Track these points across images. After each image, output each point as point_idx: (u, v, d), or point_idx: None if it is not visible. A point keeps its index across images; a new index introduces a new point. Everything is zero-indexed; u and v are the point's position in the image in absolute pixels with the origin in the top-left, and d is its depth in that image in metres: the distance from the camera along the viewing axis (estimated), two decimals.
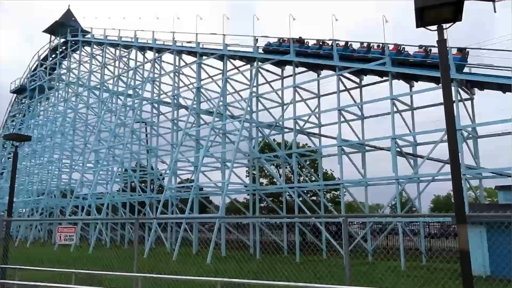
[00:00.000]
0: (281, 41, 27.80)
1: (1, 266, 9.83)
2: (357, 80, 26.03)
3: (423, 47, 21.56)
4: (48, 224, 39.44)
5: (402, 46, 22.69)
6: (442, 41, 5.72)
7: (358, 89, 26.05)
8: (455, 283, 8.03)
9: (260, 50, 28.72)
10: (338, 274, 11.80)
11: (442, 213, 6.97)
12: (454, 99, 18.65)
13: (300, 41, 26.96)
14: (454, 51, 20.42)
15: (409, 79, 23.30)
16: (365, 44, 24.17)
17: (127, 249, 28.84)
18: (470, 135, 21.03)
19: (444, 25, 5.67)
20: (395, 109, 22.01)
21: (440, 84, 8.31)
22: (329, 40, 25.37)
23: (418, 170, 21.88)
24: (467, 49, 20.59)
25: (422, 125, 24.10)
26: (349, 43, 24.59)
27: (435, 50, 20.75)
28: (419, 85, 23.26)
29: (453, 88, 18.34)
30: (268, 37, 28.85)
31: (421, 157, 22.66)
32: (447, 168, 20.91)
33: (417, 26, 5.93)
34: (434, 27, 5.72)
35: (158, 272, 10.27)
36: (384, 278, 11.91)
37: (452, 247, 23.07)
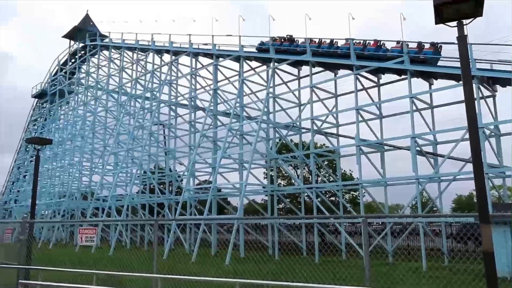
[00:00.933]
0: (273, 40, 28.65)
1: (25, 266, 10.05)
2: (375, 79, 25.73)
3: (400, 42, 22.56)
4: (70, 225, 40.15)
5: (382, 42, 23.76)
6: (462, 38, 5.60)
7: (376, 88, 25.76)
8: (479, 284, 7.85)
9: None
10: (357, 275, 11.66)
11: (464, 212, 6.80)
12: (475, 96, 18.27)
13: (291, 39, 28.19)
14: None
15: (428, 77, 22.91)
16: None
17: (147, 250, 29.14)
18: (493, 133, 20.54)
19: (464, 21, 5.56)
20: (414, 108, 21.67)
21: (461, 82, 8.16)
22: (327, 38, 26.11)
23: (439, 169, 21.48)
24: (439, 44, 21.94)
25: (442, 123, 23.73)
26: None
27: (412, 45, 22.31)
28: (438, 83, 22.88)
29: (474, 85, 18.03)
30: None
31: (442, 156, 22.24)
32: (469, 167, 20.50)
33: (436, 23, 5.82)
34: (454, 23, 5.61)
35: (177, 273, 10.33)
36: (405, 279, 11.73)
37: (475, 248, 22.57)
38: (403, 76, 23.63)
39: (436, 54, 21.93)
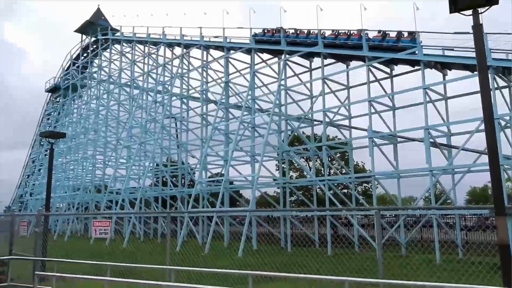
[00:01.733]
0: (265, 31, 29.74)
1: (41, 258, 10.23)
2: (388, 70, 25.41)
3: (381, 32, 23.66)
4: (84, 218, 40.75)
5: (366, 32, 24.25)
6: (477, 27, 5.48)
7: (389, 80, 25.44)
8: (494, 277, 7.75)
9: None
10: (370, 267, 11.62)
11: (479, 205, 6.70)
12: (490, 87, 17.94)
13: (280, 31, 28.73)
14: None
15: (442, 67, 22.54)
16: (354, 33, 24.61)
17: (160, 242, 29.44)
18: (508, 124, 20.16)
19: (479, 10, 5.43)
20: (427, 99, 21.37)
21: (476, 72, 8.01)
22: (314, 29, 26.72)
23: (453, 161, 21.21)
24: (416, 33, 22.43)
25: (457, 114, 23.36)
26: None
27: (392, 35, 23.39)
28: (452, 73, 22.50)
29: (489, 75, 17.69)
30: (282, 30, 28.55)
31: (456, 147, 21.94)
32: (484, 159, 20.21)
33: (451, 12, 5.70)
34: (469, 12, 5.49)
35: (191, 264, 10.42)
36: (418, 271, 11.65)
37: (490, 240, 22.31)
38: (416, 67, 23.30)
39: (414, 42, 22.33)
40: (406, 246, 21.32)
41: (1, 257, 10.04)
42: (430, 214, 20.40)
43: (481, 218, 25.28)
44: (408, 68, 24.37)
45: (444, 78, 22.64)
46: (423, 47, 21.66)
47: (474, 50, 5.68)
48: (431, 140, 21.23)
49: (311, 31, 27.14)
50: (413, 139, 24.48)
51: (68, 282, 9.39)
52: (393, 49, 23.22)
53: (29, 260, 10.20)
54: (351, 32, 25.02)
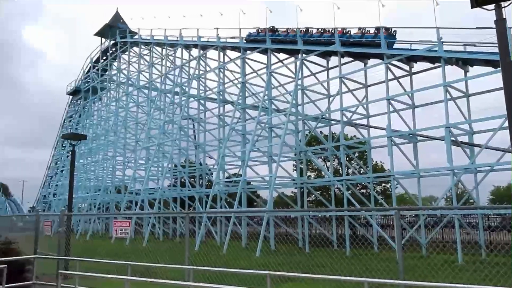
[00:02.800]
0: (259, 31, 31.00)
1: (64, 257, 10.44)
2: (407, 67, 25.03)
3: (361, 29, 25.19)
4: (105, 218, 41.40)
5: (348, 29, 25.97)
6: (500, 21, 5.35)
7: (408, 77, 25.06)
8: None
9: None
10: (390, 267, 11.47)
11: (503, 204, 6.54)
12: None
13: (273, 30, 30.38)
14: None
15: (464, 64, 22.09)
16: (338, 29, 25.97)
17: (179, 242, 29.69)
18: None
19: (502, 4, 5.30)
20: (448, 96, 20.98)
21: (499, 68, 7.83)
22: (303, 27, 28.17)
23: (475, 160, 20.77)
24: (393, 29, 24.30)
25: (479, 112, 22.82)
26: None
27: (371, 31, 24.87)
28: (474, 70, 22.02)
29: None
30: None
31: (479, 145, 21.47)
32: (507, 157, 19.74)
33: (472, 7, 5.58)
34: (491, 6, 5.36)
35: (209, 264, 10.47)
36: (440, 271, 11.46)
37: None
38: (436, 64, 22.91)
39: (391, 38, 24.06)
40: (427, 247, 20.97)
41: (27, 256, 10.29)
42: (452, 214, 20.01)
43: (505, 217, 24.66)
44: (428, 65, 23.98)
45: (465, 75, 22.18)
46: (443, 43, 21.25)
47: (497, 45, 5.55)
48: (452, 139, 20.83)
49: (301, 29, 28.51)
50: (433, 138, 24.07)
51: (90, 280, 9.56)
52: (370, 45, 24.61)
53: (53, 259, 10.42)
54: (336, 29, 26.17)
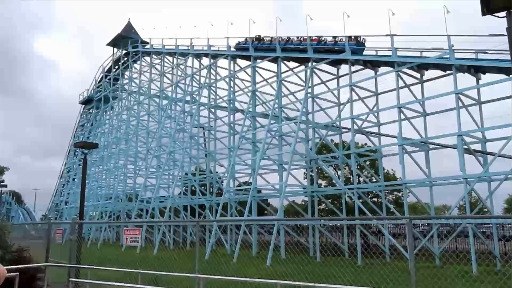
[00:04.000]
0: (247, 39, 32.46)
1: (75, 265, 10.49)
2: (418, 75, 24.87)
3: (334, 37, 27.12)
4: (116, 226, 41.60)
5: (324, 37, 27.67)
6: (511, 29, 5.28)
7: (419, 85, 24.87)
8: None
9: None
10: (402, 278, 11.30)
11: None
12: None
13: (259, 39, 31.91)
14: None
15: (476, 71, 21.88)
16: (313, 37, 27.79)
17: (189, 250, 29.66)
18: None
19: None
20: (460, 104, 20.77)
21: (511, 75, 7.74)
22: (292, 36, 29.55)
23: (489, 168, 20.46)
24: (362, 37, 26.35)
25: (492, 120, 22.52)
26: (323, 38, 27.87)
27: (329, 39, 27.37)
28: (486, 77, 21.80)
29: None
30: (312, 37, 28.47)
31: (492, 154, 21.16)
32: None
33: (483, 14, 5.52)
34: (502, 13, 5.30)
35: (219, 273, 10.43)
36: (453, 282, 11.24)
37: None
38: (448, 72, 22.73)
39: (360, 45, 26.10)
40: (440, 257, 20.64)
41: (39, 264, 10.36)
42: (465, 224, 19.69)
43: None
44: (439, 73, 23.81)
45: (477, 83, 21.95)
46: (454, 51, 21.11)
47: (509, 53, 5.48)
48: (465, 147, 20.58)
49: (282, 37, 30.20)
50: (445, 146, 23.83)
51: None
52: (341, 51, 26.15)
53: (64, 266, 10.47)
54: (312, 37, 27.97)
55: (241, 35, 34.36)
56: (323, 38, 27.63)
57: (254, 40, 31.91)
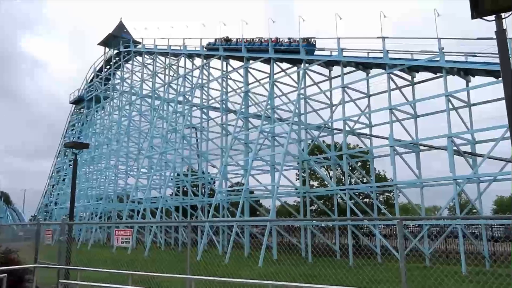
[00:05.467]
0: (216, 40, 35.02)
1: (65, 267, 10.39)
2: (409, 77, 25.06)
3: (290, 39, 29.45)
4: (107, 227, 41.33)
5: (282, 39, 29.97)
6: (501, 32, 5.35)
7: (410, 87, 25.07)
8: None
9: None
10: (393, 278, 11.38)
11: (506, 214, 6.54)
12: None
13: (228, 39, 33.95)
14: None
15: (465, 74, 22.12)
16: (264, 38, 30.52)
17: (181, 251, 29.56)
18: None
19: (503, 15, 5.31)
20: (450, 106, 20.98)
21: (500, 78, 7.78)
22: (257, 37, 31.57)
23: (478, 170, 20.68)
24: (313, 38, 28.55)
25: (481, 122, 22.76)
26: (280, 39, 30.08)
27: (286, 40, 29.83)
28: (476, 80, 22.04)
29: None
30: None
31: (481, 155, 21.39)
32: (510, 167, 19.64)
33: (473, 18, 5.58)
34: (492, 17, 5.37)
35: (211, 274, 10.42)
36: (443, 282, 11.34)
37: None
38: (438, 74, 22.95)
39: (310, 46, 28.36)
40: (430, 257, 20.82)
41: (27, 265, 10.26)
42: (455, 224, 19.88)
43: (508, 228, 24.50)
44: (430, 75, 24.03)
45: (467, 85, 22.20)
46: (445, 53, 21.32)
47: (497, 56, 5.55)
48: (455, 148, 20.78)
49: (246, 39, 32.17)
50: (436, 148, 24.04)
51: None
52: (294, 51, 28.67)
53: (54, 268, 10.38)
54: (271, 38, 30.24)
55: (236, 36, 34.40)
56: (280, 39, 30.12)
57: (223, 40, 34.11)
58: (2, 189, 76.65)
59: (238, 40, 32.78)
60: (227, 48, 33.42)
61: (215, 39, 35.28)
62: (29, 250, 11.82)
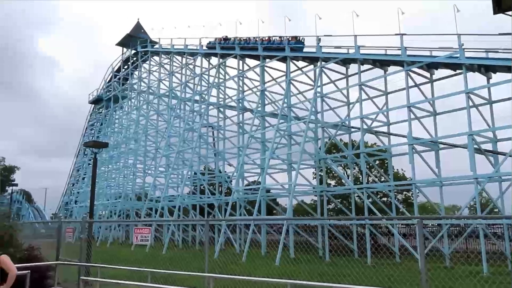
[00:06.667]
0: (215, 39, 36.49)
1: (86, 264, 10.58)
2: (428, 74, 24.67)
3: (281, 37, 30.75)
4: (125, 225, 41.86)
5: (274, 37, 31.36)
6: None
7: (429, 84, 24.68)
8: None
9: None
10: (413, 278, 11.23)
11: None
12: None
13: (226, 39, 35.77)
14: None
15: (486, 71, 21.65)
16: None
17: (198, 249, 29.76)
18: None
19: None
20: (471, 103, 20.56)
21: None
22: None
23: (500, 168, 20.23)
24: (301, 37, 30.25)
25: (503, 119, 22.26)
26: (272, 37, 31.54)
27: (277, 38, 31.23)
28: (497, 76, 21.55)
29: None
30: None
31: (503, 153, 20.92)
32: None
33: (494, 13, 5.47)
34: None
35: (228, 272, 10.46)
36: (464, 283, 11.15)
37: None
38: (458, 71, 22.52)
39: (299, 44, 29.77)
40: (451, 257, 20.47)
41: (49, 262, 10.47)
42: (476, 224, 19.50)
43: None
44: (449, 72, 23.60)
45: (488, 82, 21.73)
46: (465, 50, 20.91)
47: None
48: (476, 146, 20.38)
49: (242, 38, 34.06)
50: (456, 146, 23.59)
51: (111, 287, 9.66)
52: (282, 49, 29.95)
53: (75, 265, 10.57)
54: (263, 38, 31.99)
55: (252, 35, 34.49)
56: (273, 38, 31.64)
57: (222, 40, 36.03)
58: (22, 187, 78.29)
59: (237, 39, 34.25)
60: (243, 47, 33.68)
61: (215, 39, 36.85)
62: (50, 247, 12.07)
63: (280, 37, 30.98)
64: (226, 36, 36.01)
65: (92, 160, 14.75)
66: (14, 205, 67.19)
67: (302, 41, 30.08)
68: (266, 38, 31.83)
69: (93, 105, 62.08)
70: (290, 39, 30.04)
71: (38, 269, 9.70)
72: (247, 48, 33.16)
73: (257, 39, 32.54)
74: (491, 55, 21.15)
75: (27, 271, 8.25)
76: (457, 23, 21.80)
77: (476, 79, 22.17)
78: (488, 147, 22.02)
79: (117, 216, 42.94)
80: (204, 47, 37.84)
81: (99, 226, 42.31)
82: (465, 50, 20.96)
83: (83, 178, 55.88)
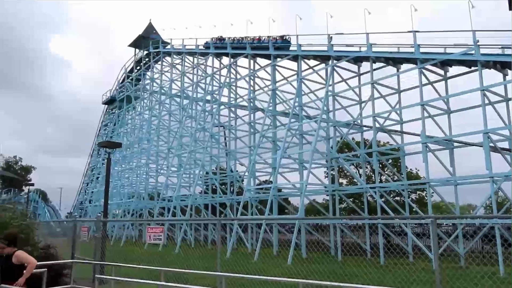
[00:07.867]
0: (213, 39, 38.06)
1: (101, 262, 10.70)
2: (441, 72, 24.35)
3: (269, 37, 32.16)
4: (138, 224, 42.21)
5: (264, 37, 33.00)
6: None
7: (443, 82, 24.36)
8: None
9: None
10: (427, 278, 11.12)
11: None
12: None
13: (221, 39, 37.26)
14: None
15: (502, 67, 21.28)
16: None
17: (210, 248, 29.85)
18: None
19: None
20: (486, 101, 20.25)
21: None
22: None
23: None
24: (287, 36, 31.75)
25: None
26: (262, 37, 33.13)
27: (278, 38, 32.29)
28: None
29: None
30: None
31: None
32: None
33: (510, 9, 5.44)
34: None
35: (241, 271, 10.47)
36: (480, 284, 10.98)
37: None
38: (473, 68, 22.19)
39: (285, 42, 31.40)
40: (466, 257, 20.19)
41: (65, 260, 10.62)
42: (492, 224, 19.20)
43: None
44: (464, 69, 23.27)
45: (504, 79, 21.36)
46: (479, 46, 20.59)
47: None
48: (491, 144, 20.06)
49: (235, 37, 35.91)
50: (471, 144, 23.25)
51: (125, 285, 9.75)
52: (266, 48, 31.76)
53: (91, 263, 10.70)
54: (254, 37, 33.74)
55: (264, 34, 34.52)
56: (262, 38, 33.31)
57: (217, 40, 37.61)
58: (37, 186, 79.30)
59: (234, 39, 36.06)
60: (254, 47, 33.90)
61: (211, 39, 38.54)
62: (65, 246, 12.24)
63: (268, 37, 32.54)
64: (221, 36, 37.38)
65: (105, 160, 14.92)
66: (30, 204, 68.21)
67: (289, 40, 31.70)
68: (257, 37, 33.63)
69: (106, 105, 62.73)
70: (277, 38, 31.91)
71: (54, 267, 9.85)
72: (258, 47, 33.46)
73: (249, 39, 34.06)
74: (507, 51, 20.80)
75: (44, 269, 8.38)
76: (471, 19, 21.52)
77: (492, 76, 21.83)
78: (504, 145, 21.66)
79: (131, 215, 43.32)
80: (201, 47, 39.58)
81: (112, 225, 42.75)
82: (480, 46, 20.64)
83: (97, 178, 56.47)
